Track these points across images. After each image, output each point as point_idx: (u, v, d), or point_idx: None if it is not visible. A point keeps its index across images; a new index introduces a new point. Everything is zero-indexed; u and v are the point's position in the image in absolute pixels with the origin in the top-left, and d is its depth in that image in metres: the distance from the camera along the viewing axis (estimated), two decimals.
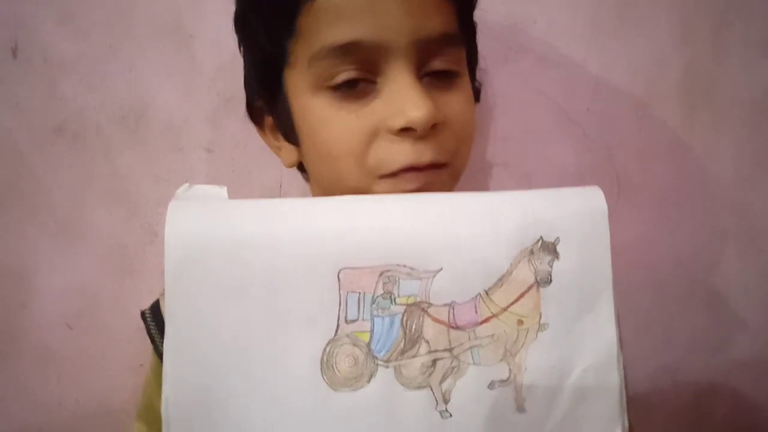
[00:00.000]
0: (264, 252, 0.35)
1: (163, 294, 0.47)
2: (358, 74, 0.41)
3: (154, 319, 0.46)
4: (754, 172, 0.66)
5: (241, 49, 0.49)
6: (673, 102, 0.64)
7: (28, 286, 0.60)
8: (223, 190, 0.39)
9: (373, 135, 0.41)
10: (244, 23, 0.47)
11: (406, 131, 0.40)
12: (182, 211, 0.36)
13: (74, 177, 0.58)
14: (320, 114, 0.42)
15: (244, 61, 0.49)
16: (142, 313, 0.47)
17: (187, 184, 0.39)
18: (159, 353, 0.46)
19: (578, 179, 0.64)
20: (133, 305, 0.61)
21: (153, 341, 0.46)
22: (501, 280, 0.36)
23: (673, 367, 0.69)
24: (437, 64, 0.42)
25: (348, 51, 0.40)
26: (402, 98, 0.40)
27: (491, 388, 0.36)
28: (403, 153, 0.41)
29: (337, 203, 0.38)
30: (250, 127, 0.58)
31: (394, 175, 0.41)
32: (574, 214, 0.37)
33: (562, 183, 0.62)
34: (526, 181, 0.64)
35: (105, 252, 0.60)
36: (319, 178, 0.47)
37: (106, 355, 0.62)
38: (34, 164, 0.58)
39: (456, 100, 0.43)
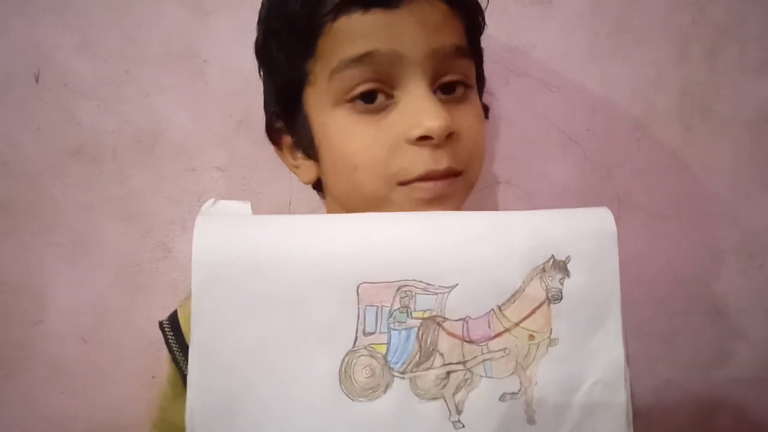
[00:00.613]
0: (287, 267, 0.37)
1: (180, 305, 0.49)
2: (376, 85, 0.43)
3: (173, 329, 0.47)
4: (751, 189, 0.67)
5: (261, 73, 0.51)
6: (671, 122, 0.65)
7: (43, 302, 0.61)
8: (247, 206, 0.40)
9: (393, 145, 0.43)
10: (264, 48, 0.49)
11: (423, 140, 0.42)
12: (209, 226, 0.37)
13: (90, 198, 0.60)
14: (341, 128, 0.44)
15: (264, 85, 0.51)
16: (161, 324, 0.48)
17: (212, 200, 0.41)
18: (176, 362, 0.47)
19: (579, 197, 0.66)
20: (146, 321, 0.63)
21: (171, 351, 0.47)
22: (514, 297, 0.38)
23: (674, 382, 0.70)
24: (451, 75, 0.44)
25: (365, 62, 0.42)
26: (419, 109, 0.42)
27: (502, 401, 0.37)
28: (422, 160, 0.43)
29: (357, 220, 0.40)
30: (261, 148, 0.61)
31: (411, 182, 0.43)
32: (585, 234, 0.39)
33: (564, 201, 0.65)
34: (529, 199, 0.65)
35: (118, 269, 0.62)
36: (337, 192, 0.48)
37: (119, 369, 0.63)
38: (52, 186, 0.60)
39: (468, 114, 0.45)
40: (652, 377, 0.69)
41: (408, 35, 0.42)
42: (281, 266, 0.37)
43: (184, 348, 0.47)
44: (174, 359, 0.47)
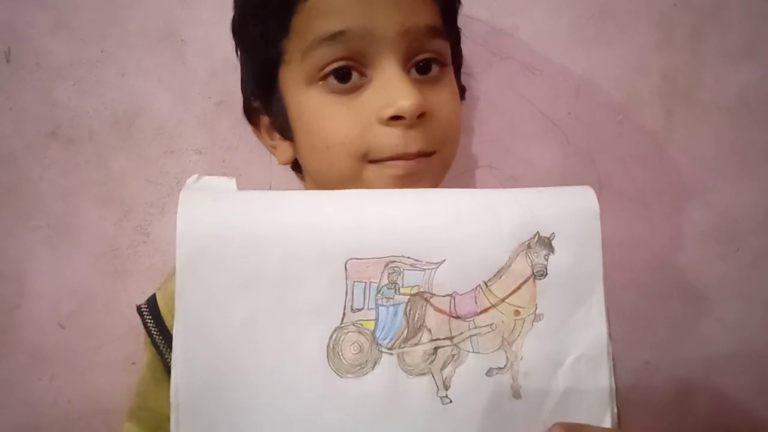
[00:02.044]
0: (274, 242, 0.36)
1: (159, 288, 0.48)
2: (348, 63, 0.43)
3: (151, 313, 0.47)
4: (732, 174, 0.68)
5: (238, 52, 0.51)
6: (653, 107, 0.66)
7: (21, 287, 0.60)
8: (232, 182, 0.40)
9: (365, 125, 0.43)
10: (241, 27, 0.49)
11: (395, 119, 0.42)
12: (194, 200, 0.37)
13: (67, 180, 0.59)
14: (315, 107, 0.44)
15: (241, 64, 0.51)
16: (138, 308, 0.48)
17: (196, 175, 0.40)
18: (156, 347, 0.46)
19: (561, 182, 0.63)
20: (125, 305, 0.62)
21: (150, 335, 0.47)
22: (500, 272, 0.38)
23: (653, 364, 0.71)
24: (424, 54, 0.44)
25: (338, 40, 0.42)
26: (391, 88, 0.42)
27: (489, 375, 0.38)
28: (394, 142, 0.43)
29: (346, 196, 0.40)
30: (241, 130, 0.60)
31: (382, 161, 0.44)
32: (569, 212, 0.39)
33: (546, 185, 0.64)
34: (511, 183, 0.65)
35: (97, 253, 0.61)
36: (312, 171, 0.49)
37: (99, 355, 0.63)
38: (28, 168, 0.59)
39: (441, 94, 0.45)
40: (632, 359, 0.70)
41: (381, 13, 0.42)
42: (268, 241, 0.37)
43: (163, 332, 0.46)
44: (153, 343, 0.47)
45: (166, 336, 0.46)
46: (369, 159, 0.44)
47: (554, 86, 0.64)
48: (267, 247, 0.36)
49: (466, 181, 0.65)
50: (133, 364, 0.63)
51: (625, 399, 0.69)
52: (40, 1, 0.56)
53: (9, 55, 0.56)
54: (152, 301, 0.48)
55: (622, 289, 0.69)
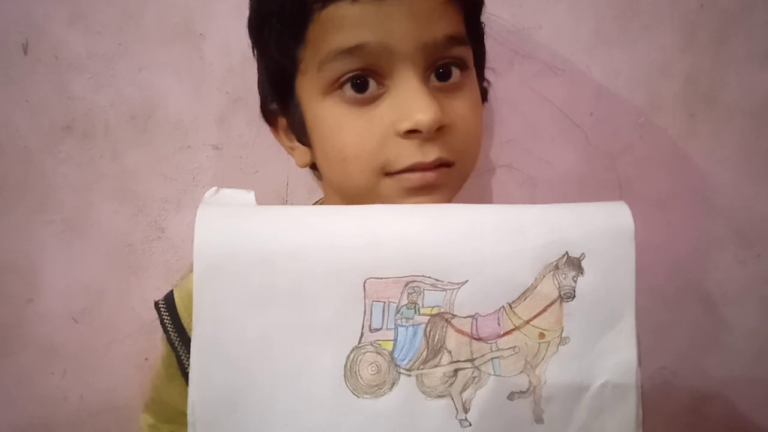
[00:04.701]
0: (292, 260, 0.36)
1: (177, 285, 0.48)
2: (366, 73, 0.42)
3: (168, 310, 0.47)
4: (753, 179, 0.67)
5: (255, 53, 0.50)
6: (675, 110, 0.64)
7: (34, 281, 0.60)
8: (250, 195, 0.39)
9: (382, 138, 0.42)
10: (257, 32, 0.48)
11: (412, 133, 0.41)
12: (211, 216, 0.37)
13: (82, 174, 0.59)
14: (331, 119, 0.43)
15: (258, 65, 0.50)
16: (156, 304, 0.47)
17: (214, 188, 0.40)
18: (171, 343, 0.46)
19: (581, 184, 0.65)
20: (139, 301, 0.62)
21: (166, 331, 0.47)
22: (525, 294, 0.37)
23: (669, 370, 0.70)
24: (444, 60, 0.43)
25: (354, 54, 0.41)
26: (409, 102, 0.41)
27: (511, 399, 0.37)
28: (409, 153, 0.42)
29: (365, 213, 0.39)
30: (258, 126, 0.59)
31: (399, 173, 0.42)
32: (601, 231, 0.37)
33: (565, 187, 0.64)
34: (530, 185, 0.65)
35: (111, 248, 0.61)
36: (328, 179, 0.48)
37: (111, 350, 0.63)
38: (43, 161, 0.58)
39: (462, 104, 0.44)
40: (647, 365, 0.68)
41: (398, 27, 0.41)
42: (286, 259, 0.36)
43: (179, 328, 0.46)
44: (169, 339, 0.47)
45: (182, 334, 0.46)
46: (386, 172, 0.43)
47: (576, 87, 0.63)
48: (282, 265, 0.36)
49: (485, 181, 0.64)
50: (146, 360, 0.62)
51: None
52: None
53: (27, 47, 0.56)
54: (170, 298, 0.47)
55: (639, 294, 0.67)
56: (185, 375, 0.45)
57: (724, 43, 0.64)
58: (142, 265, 0.61)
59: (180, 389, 0.46)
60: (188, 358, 0.44)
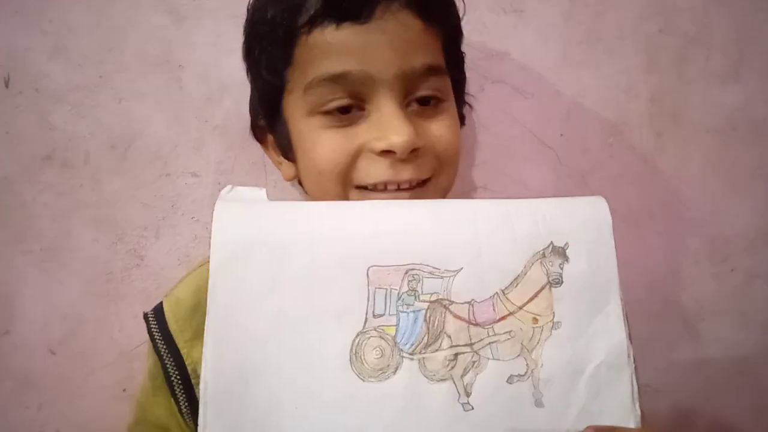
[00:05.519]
0: (302, 250, 0.39)
1: (166, 296, 0.49)
2: (349, 102, 0.45)
3: (156, 318, 0.48)
4: (722, 193, 0.69)
5: (248, 75, 0.52)
6: (642, 128, 0.67)
7: (11, 311, 0.60)
8: (262, 192, 0.43)
9: (357, 154, 0.45)
10: (249, 53, 0.51)
11: (386, 153, 0.44)
12: (228, 210, 0.40)
13: (61, 204, 0.59)
14: (313, 135, 0.46)
15: (251, 86, 0.53)
16: (145, 315, 0.48)
17: (229, 186, 0.43)
18: (158, 353, 0.47)
19: None
20: (117, 331, 0.61)
21: (153, 339, 0.48)
22: (516, 281, 0.40)
23: (652, 387, 0.70)
24: (422, 91, 0.46)
25: (338, 81, 0.44)
26: (386, 124, 0.44)
27: (510, 383, 0.38)
28: (381, 169, 0.45)
29: (369, 206, 0.42)
30: (236, 154, 0.61)
31: (369, 190, 0.45)
32: (582, 221, 0.41)
33: None
34: None
35: (90, 277, 0.60)
36: (310, 192, 0.51)
37: (89, 382, 0.61)
38: (21, 191, 0.59)
39: (439, 127, 0.47)
40: None
41: (379, 56, 0.44)
42: (296, 249, 0.39)
43: (167, 337, 0.47)
44: (156, 349, 0.47)
45: (169, 343, 0.47)
46: (355, 184, 0.46)
47: (546, 109, 0.65)
48: (293, 253, 0.38)
49: None
50: (124, 391, 0.61)
51: None
52: (39, 26, 0.57)
53: (8, 81, 0.57)
54: (158, 308, 0.48)
55: None
56: (171, 387, 0.47)
57: (685, 64, 0.66)
58: (121, 293, 0.61)
59: (165, 402, 0.48)
60: (174, 367, 0.46)
